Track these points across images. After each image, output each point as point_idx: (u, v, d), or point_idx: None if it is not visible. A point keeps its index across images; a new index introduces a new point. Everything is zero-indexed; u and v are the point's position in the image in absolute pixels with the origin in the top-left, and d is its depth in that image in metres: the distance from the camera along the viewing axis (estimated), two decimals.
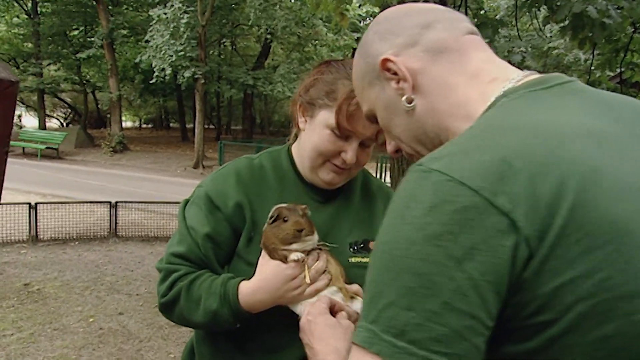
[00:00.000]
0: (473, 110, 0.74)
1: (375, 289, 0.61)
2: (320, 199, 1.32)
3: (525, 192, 0.56)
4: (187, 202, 1.34)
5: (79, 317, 4.72)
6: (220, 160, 17.23)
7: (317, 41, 21.14)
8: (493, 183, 0.57)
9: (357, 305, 1.21)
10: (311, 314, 1.09)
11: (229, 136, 30.95)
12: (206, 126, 21.47)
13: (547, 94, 0.70)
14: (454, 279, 0.55)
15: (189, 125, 29.16)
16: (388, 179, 4.95)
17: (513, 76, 0.75)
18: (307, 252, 1.19)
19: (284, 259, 1.17)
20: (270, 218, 1.19)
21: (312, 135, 1.25)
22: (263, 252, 1.21)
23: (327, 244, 1.23)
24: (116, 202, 7.60)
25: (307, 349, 1.04)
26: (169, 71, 16.50)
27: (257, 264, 1.21)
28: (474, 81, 0.76)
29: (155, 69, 16.77)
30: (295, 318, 1.18)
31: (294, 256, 1.16)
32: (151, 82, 17.82)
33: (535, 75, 0.75)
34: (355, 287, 1.24)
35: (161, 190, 12.28)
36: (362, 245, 1.32)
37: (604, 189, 0.57)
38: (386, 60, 0.79)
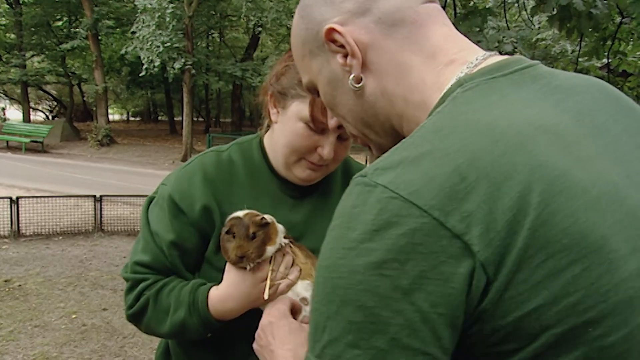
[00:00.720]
0: (428, 97, 0.66)
1: (318, 320, 0.55)
2: (296, 195, 1.24)
3: (480, 209, 0.49)
4: (150, 200, 1.24)
5: (61, 314, 4.63)
6: None
7: None
8: (444, 200, 0.50)
9: None
10: (272, 315, 1.02)
11: (218, 129, 30.68)
12: (195, 119, 21.26)
13: (504, 83, 0.61)
14: (401, 313, 0.49)
15: (178, 118, 28.89)
16: None
17: (471, 59, 0.66)
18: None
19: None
20: (224, 227, 1.10)
21: (285, 129, 1.15)
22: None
23: (293, 242, 1.16)
24: (101, 196, 7.48)
25: (264, 351, 0.98)
26: (157, 63, 16.23)
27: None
28: (430, 62, 0.67)
29: (144, 61, 16.50)
30: None
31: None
32: (141, 75, 17.52)
33: (494, 59, 0.66)
34: None
35: (149, 183, 12.10)
36: None
37: (569, 198, 0.51)
38: (331, 30, 0.68)
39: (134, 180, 12.79)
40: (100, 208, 7.46)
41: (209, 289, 1.12)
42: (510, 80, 0.62)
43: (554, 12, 3.61)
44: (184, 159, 16.97)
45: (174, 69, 16.43)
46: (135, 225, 7.65)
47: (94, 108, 23.84)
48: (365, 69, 0.70)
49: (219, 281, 1.13)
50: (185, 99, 17.71)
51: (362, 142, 0.80)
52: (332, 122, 0.84)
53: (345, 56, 0.69)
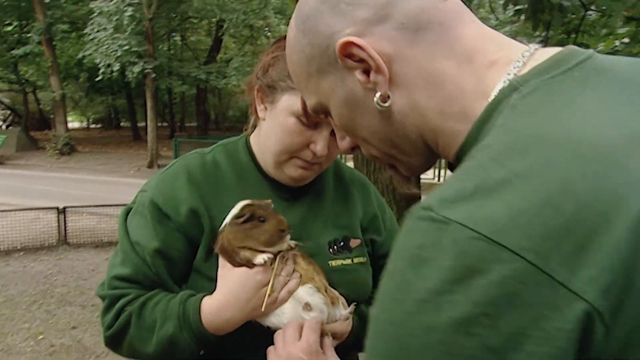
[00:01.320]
0: (469, 106, 0.58)
1: None
2: (288, 197, 1.15)
3: (586, 247, 0.40)
4: (128, 210, 1.12)
5: (26, 335, 4.34)
6: (176, 158, 16.61)
7: (270, 33, 20.78)
8: (539, 240, 0.41)
9: (340, 311, 1.06)
10: (303, 350, 0.89)
11: (183, 133, 30.11)
12: (159, 124, 20.72)
13: (567, 83, 0.53)
14: None
15: (141, 124, 28.20)
16: None
17: (515, 57, 0.58)
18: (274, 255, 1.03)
19: (250, 263, 1.00)
20: (239, 217, 1.00)
21: (275, 126, 1.06)
22: (222, 261, 1.03)
23: (299, 243, 1.07)
24: (64, 208, 7.12)
25: None
26: (116, 67, 15.70)
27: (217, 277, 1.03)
28: (467, 66, 0.59)
29: (100, 66, 15.93)
30: (268, 331, 1.02)
31: (260, 259, 0.99)
32: (97, 79, 16.94)
33: (543, 53, 0.58)
34: (337, 293, 1.09)
35: (114, 192, 11.69)
36: (342, 243, 1.16)
37: None
38: (348, 44, 0.59)
39: (98, 189, 12.33)
40: (65, 220, 7.10)
41: (201, 299, 1.01)
42: (573, 79, 0.53)
43: (526, 6, 3.63)
44: (150, 166, 16.53)
45: (133, 73, 15.94)
46: (103, 236, 7.32)
47: (52, 116, 22.88)
48: (391, 83, 0.61)
49: (209, 290, 1.03)
50: (148, 104, 17.24)
51: (386, 163, 0.72)
52: (344, 144, 0.76)
53: (366, 72, 0.61)
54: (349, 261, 1.14)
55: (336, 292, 1.08)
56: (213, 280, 1.03)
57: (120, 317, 1.02)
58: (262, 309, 1.00)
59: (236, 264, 1.01)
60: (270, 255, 1.00)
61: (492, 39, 0.61)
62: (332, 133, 1.05)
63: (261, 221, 1.00)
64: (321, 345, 0.94)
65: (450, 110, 0.60)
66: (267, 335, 1.01)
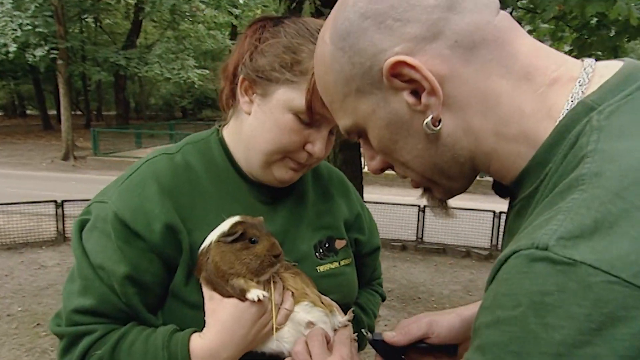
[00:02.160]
0: (531, 127, 0.56)
1: None
2: (269, 200, 1.04)
3: None
4: (82, 225, 0.94)
5: None
6: (95, 149, 15.51)
7: (193, 17, 19.92)
8: None
9: (337, 318, 0.99)
10: None
11: (101, 122, 28.26)
12: (72, 112, 19.11)
13: None
14: None
15: (51, 112, 25.98)
16: None
17: (575, 72, 0.56)
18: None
19: (242, 296, 0.87)
20: (229, 236, 0.87)
21: (266, 122, 0.94)
22: (208, 292, 0.89)
23: (288, 261, 0.97)
24: None
25: None
26: (12, 48, 14.07)
27: (203, 306, 0.89)
28: (525, 85, 0.57)
29: None
30: (263, 356, 0.93)
31: (254, 295, 0.87)
32: None
33: (605, 69, 0.56)
34: (330, 301, 1.01)
35: (25, 187, 10.65)
36: (327, 245, 1.07)
37: None
38: (399, 63, 0.56)
39: (5, 184, 11.14)
40: None
41: (189, 338, 0.87)
42: None
43: None
44: (65, 158, 15.25)
45: (35, 56, 14.43)
46: (15, 237, 6.61)
47: None
48: (443, 105, 0.58)
49: (191, 320, 0.89)
50: (61, 91, 15.81)
51: (421, 186, 0.69)
52: (374, 165, 0.71)
53: (414, 93, 0.58)
54: (335, 264, 1.07)
55: (329, 299, 1.01)
56: (196, 307, 0.90)
57: None
58: (275, 331, 0.89)
59: (226, 293, 0.87)
60: (267, 294, 0.88)
61: (548, 54, 0.59)
62: (330, 132, 0.97)
63: (253, 242, 0.88)
64: None
65: (508, 132, 0.57)
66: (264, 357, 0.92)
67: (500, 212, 6.41)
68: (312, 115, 0.91)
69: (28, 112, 35.38)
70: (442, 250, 6.71)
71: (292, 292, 0.94)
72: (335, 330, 0.98)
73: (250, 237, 0.87)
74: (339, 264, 1.07)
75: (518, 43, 0.58)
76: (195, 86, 18.06)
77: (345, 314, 1.03)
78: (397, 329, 0.90)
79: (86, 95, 29.24)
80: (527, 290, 0.42)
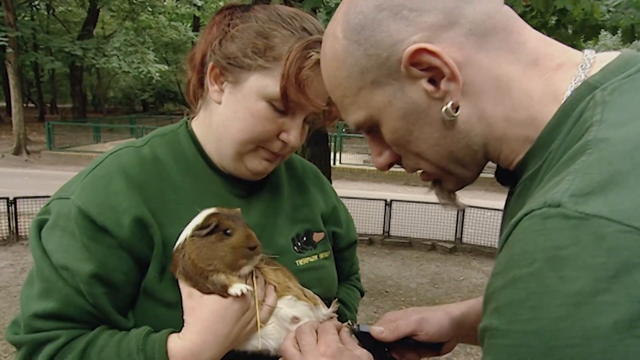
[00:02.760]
0: (538, 111, 0.59)
1: None
2: (243, 194, 1.00)
3: None
4: (40, 224, 0.86)
5: None
6: (50, 144, 14.82)
7: (154, 8, 19.35)
8: None
9: (321, 311, 0.97)
10: (326, 354, 0.79)
11: (56, 116, 27.11)
12: (24, 105, 18.20)
13: None
14: None
15: (0, 104, 24.71)
16: None
17: (578, 60, 0.60)
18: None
19: (224, 292, 0.83)
20: (203, 229, 0.83)
21: (238, 111, 0.90)
22: (186, 289, 0.84)
23: (267, 254, 0.93)
24: None
25: None
26: None
27: (178, 305, 0.84)
28: (532, 70, 0.60)
29: None
30: (245, 355, 0.89)
31: (237, 289, 0.82)
32: None
33: (605, 56, 0.60)
34: (313, 294, 0.99)
35: None
36: (304, 238, 1.05)
37: None
38: (420, 51, 0.57)
39: None
40: None
41: (166, 339, 0.81)
42: None
43: None
44: (17, 152, 14.50)
45: None
46: None
47: None
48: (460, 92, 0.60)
49: (166, 320, 0.84)
50: (11, 82, 14.98)
51: (433, 178, 0.71)
52: (381, 161, 0.70)
53: (431, 81, 0.60)
54: (315, 257, 1.04)
55: (312, 293, 0.98)
56: (171, 306, 0.84)
57: None
58: (260, 327, 0.85)
59: (206, 290, 0.83)
60: (250, 287, 0.84)
61: (551, 43, 0.62)
62: (305, 120, 0.94)
63: (227, 234, 0.83)
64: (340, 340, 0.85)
65: (517, 117, 0.60)
66: (247, 358, 0.88)
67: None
68: (287, 102, 0.87)
69: None
70: (408, 244, 6.79)
71: (275, 287, 0.91)
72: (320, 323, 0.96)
73: (225, 228, 0.83)
74: (318, 257, 1.05)
75: (524, 32, 0.61)
76: (154, 80, 17.50)
77: (328, 308, 1.01)
78: (382, 323, 0.90)
79: (39, 87, 27.91)
80: (542, 246, 0.43)
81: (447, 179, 0.69)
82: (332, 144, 12.21)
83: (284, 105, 0.88)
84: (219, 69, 0.90)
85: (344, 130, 14.05)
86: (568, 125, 0.55)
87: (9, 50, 14.13)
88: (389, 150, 0.69)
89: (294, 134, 0.91)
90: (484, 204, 6.62)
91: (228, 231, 0.83)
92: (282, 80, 0.85)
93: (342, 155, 13.64)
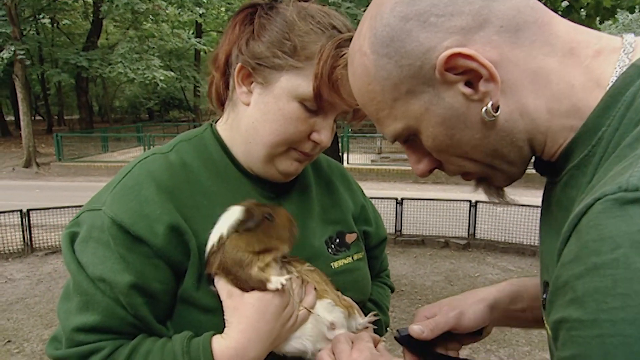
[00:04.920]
0: (582, 99, 0.58)
1: None
2: (272, 195, 0.98)
3: None
4: (72, 237, 0.86)
5: None
6: (59, 155, 14.93)
7: (157, 16, 19.44)
8: None
9: (357, 320, 0.95)
10: None
11: (63, 127, 27.31)
12: (32, 117, 18.35)
13: None
14: None
15: (9, 118, 24.98)
16: None
17: (616, 44, 0.59)
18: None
19: (263, 285, 0.82)
20: (247, 221, 0.82)
21: (269, 112, 0.88)
22: (226, 289, 0.83)
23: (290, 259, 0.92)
24: None
25: None
26: None
27: (217, 310, 0.83)
28: (570, 60, 0.59)
29: None
30: (284, 358, 0.88)
31: (277, 283, 0.82)
32: None
33: None
34: (350, 301, 0.97)
35: None
36: (337, 240, 1.03)
37: None
38: (455, 56, 0.57)
39: None
40: None
41: (210, 342, 0.80)
42: None
43: None
44: (27, 165, 14.64)
45: (3, 59, 13.77)
46: None
47: None
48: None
49: (205, 325, 0.83)
50: (19, 95, 15.14)
51: (478, 177, 0.70)
52: (421, 168, 0.70)
53: (467, 84, 0.60)
54: (349, 259, 1.03)
55: (349, 300, 0.97)
56: (210, 311, 0.83)
57: None
58: (297, 341, 0.85)
59: (247, 287, 0.82)
60: (289, 276, 0.84)
61: (584, 30, 0.62)
62: (334, 119, 0.93)
63: (269, 219, 0.84)
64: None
65: (560, 108, 0.59)
66: None
67: (477, 202, 6.50)
68: (320, 102, 0.86)
69: None
70: (421, 241, 6.75)
71: (315, 287, 0.90)
72: (354, 333, 0.94)
73: (266, 214, 0.84)
74: (353, 258, 1.03)
75: (555, 22, 0.61)
76: (160, 87, 17.54)
77: (362, 310, 0.99)
78: (418, 320, 0.89)
79: (46, 100, 28.16)
80: (625, 231, 0.42)
81: (495, 175, 0.68)
82: (340, 145, 12.20)
83: (316, 105, 0.87)
84: (248, 69, 0.89)
85: (350, 130, 14.02)
86: (620, 110, 0.54)
87: (17, 64, 14.23)
88: (428, 157, 0.69)
89: (325, 133, 0.90)
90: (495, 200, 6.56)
91: (269, 216, 0.84)
92: (315, 80, 0.84)
93: (350, 155, 13.62)
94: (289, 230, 0.85)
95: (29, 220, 6.31)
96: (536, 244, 6.25)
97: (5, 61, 13.83)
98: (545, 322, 0.63)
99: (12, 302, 4.95)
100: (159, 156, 0.91)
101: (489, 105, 0.58)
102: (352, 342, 0.84)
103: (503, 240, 6.45)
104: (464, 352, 0.94)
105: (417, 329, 0.85)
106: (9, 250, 6.36)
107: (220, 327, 0.82)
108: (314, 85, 0.84)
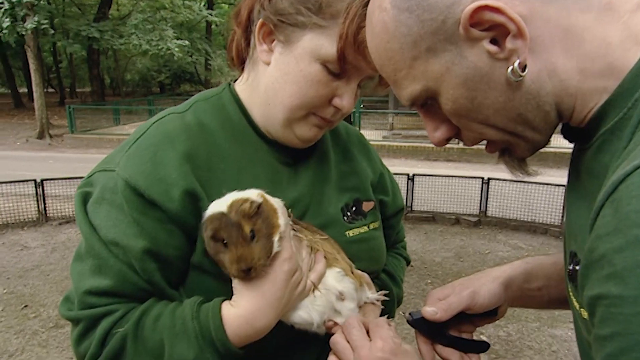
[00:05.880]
0: (618, 58, 0.54)
1: None
2: (290, 161, 0.95)
3: None
4: (84, 197, 0.83)
5: None
6: (72, 127, 15.02)
7: None
8: None
9: (366, 293, 0.93)
10: (382, 349, 0.76)
11: (75, 100, 27.44)
12: (45, 90, 18.41)
13: None
14: None
15: (22, 90, 25.11)
16: None
17: None
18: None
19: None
20: (205, 231, 0.78)
21: (289, 73, 0.84)
22: None
23: (302, 227, 0.89)
24: None
25: None
26: (7, 24, 13.24)
27: (229, 277, 0.81)
28: (608, 16, 0.55)
29: None
30: (292, 329, 0.86)
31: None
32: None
33: None
34: (360, 273, 0.94)
35: (1, 167, 10.28)
36: (354, 208, 1.00)
37: None
38: (482, 9, 0.53)
39: None
40: None
41: (220, 307, 0.79)
42: None
43: None
44: (40, 136, 14.75)
45: (27, 30, 13.65)
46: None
47: None
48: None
49: (217, 292, 0.81)
50: (32, 67, 15.11)
51: (500, 147, 0.66)
52: (438, 135, 0.66)
53: (493, 41, 0.56)
54: (365, 228, 1.00)
55: (359, 271, 0.94)
56: (222, 278, 0.81)
57: (109, 344, 0.77)
58: (305, 310, 0.83)
59: None
60: (278, 236, 0.79)
61: None
62: (358, 85, 0.88)
63: (225, 245, 0.76)
64: None
65: (593, 68, 0.55)
66: (292, 333, 0.86)
67: (489, 179, 6.43)
68: (344, 65, 0.82)
69: None
70: (431, 218, 6.73)
71: (324, 254, 0.88)
72: (360, 306, 0.92)
73: (222, 239, 0.76)
74: (369, 227, 1.00)
75: None
76: (175, 58, 17.36)
77: (375, 283, 0.97)
78: (431, 302, 0.86)
79: (58, 72, 28.22)
80: None
81: (517, 145, 0.64)
82: (351, 120, 12.10)
83: (340, 68, 0.82)
84: (270, 26, 0.85)
85: (361, 106, 13.88)
86: None
87: (45, 27, 13.95)
88: (446, 123, 0.65)
89: (347, 99, 0.86)
90: (508, 177, 6.49)
91: (224, 241, 0.76)
92: (340, 40, 0.79)
93: (361, 131, 13.43)
94: (232, 273, 0.77)
95: (43, 190, 6.39)
96: (548, 222, 6.23)
97: (28, 31, 13.72)
98: (570, 294, 0.60)
99: (28, 269, 5.05)
100: (175, 116, 0.88)
101: (516, 64, 0.54)
102: (365, 327, 0.82)
103: (515, 218, 6.40)
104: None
105: (431, 311, 0.83)
106: (25, 219, 6.46)
107: (231, 294, 0.81)
108: (338, 46, 0.80)
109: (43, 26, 13.78)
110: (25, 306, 4.22)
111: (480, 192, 6.58)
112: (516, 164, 0.66)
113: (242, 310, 0.78)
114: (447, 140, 0.67)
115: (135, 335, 0.77)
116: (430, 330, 0.85)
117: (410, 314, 0.86)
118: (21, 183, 6.34)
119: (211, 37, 25.06)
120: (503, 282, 0.87)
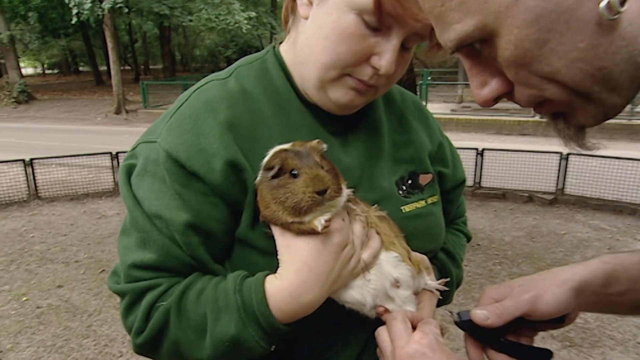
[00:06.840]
0: None
1: None
2: (338, 131, 0.86)
3: None
4: (129, 170, 0.80)
5: (8, 297, 4.03)
6: (145, 103, 15.80)
7: None
8: None
9: (424, 279, 0.85)
10: (422, 344, 0.69)
11: (149, 76, 28.73)
12: (121, 67, 19.41)
13: None
14: None
15: (102, 68, 26.72)
16: None
17: None
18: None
19: (312, 231, 0.71)
20: (268, 170, 0.71)
21: (323, 26, 0.75)
22: (277, 228, 0.74)
23: (357, 201, 0.80)
24: (32, 159, 6.58)
25: None
26: (88, 5, 14.09)
27: (275, 251, 0.75)
28: None
29: (71, 5, 14.33)
30: (344, 310, 0.80)
31: (317, 222, 0.71)
32: (73, 22, 15.35)
33: None
34: (419, 257, 0.85)
35: (82, 141, 11.08)
36: (410, 181, 0.90)
37: None
38: None
39: (64, 139, 11.64)
40: (33, 173, 6.59)
41: (263, 281, 0.73)
42: None
43: None
44: (117, 112, 15.67)
45: (103, 9, 14.42)
46: (77, 188, 6.87)
47: (1, 61, 21.13)
48: None
49: (263, 267, 0.75)
50: (109, 45, 16.00)
51: (559, 110, 0.51)
52: (484, 93, 0.51)
53: None
54: (422, 203, 0.90)
55: (419, 256, 0.85)
56: (267, 253, 0.75)
57: (153, 317, 0.75)
58: (358, 290, 0.76)
59: (297, 230, 0.72)
60: (329, 214, 0.72)
61: None
62: (403, 45, 0.75)
63: (294, 175, 0.70)
64: None
65: None
66: (341, 314, 0.79)
67: (568, 154, 5.94)
68: (381, 16, 0.71)
69: (80, 68, 36.54)
70: (501, 195, 6.37)
71: (379, 234, 0.80)
72: (417, 293, 0.83)
73: (291, 168, 0.70)
74: (426, 202, 0.90)
75: None
76: (244, 30, 17.45)
77: (431, 261, 0.89)
78: (484, 302, 0.74)
79: (133, 50, 29.69)
80: None
81: (583, 109, 0.49)
82: (418, 93, 11.71)
83: (377, 19, 0.71)
84: None
85: (429, 77, 13.34)
86: None
87: (121, 6, 14.64)
88: (498, 77, 0.51)
89: (387, 57, 0.74)
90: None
91: (294, 171, 0.70)
92: None
93: (428, 104, 13.04)
94: (300, 200, 0.70)
95: (118, 162, 6.76)
96: (636, 202, 5.67)
97: (106, 11, 14.46)
98: None
99: (106, 236, 5.40)
100: (217, 82, 0.82)
101: None
102: (411, 323, 0.74)
103: (597, 196, 5.89)
104: None
105: (481, 315, 0.72)
106: (102, 189, 6.90)
107: (277, 270, 0.75)
108: None
109: (119, 5, 14.40)
110: (103, 270, 4.51)
111: (557, 168, 6.10)
112: (573, 133, 0.52)
113: (287, 283, 0.71)
114: (497, 100, 0.53)
115: (178, 309, 0.74)
116: (481, 334, 0.74)
117: (458, 313, 0.75)
118: (99, 155, 6.74)
119: (276, 11, 25.04)
120: (574, 287, 0.72)
